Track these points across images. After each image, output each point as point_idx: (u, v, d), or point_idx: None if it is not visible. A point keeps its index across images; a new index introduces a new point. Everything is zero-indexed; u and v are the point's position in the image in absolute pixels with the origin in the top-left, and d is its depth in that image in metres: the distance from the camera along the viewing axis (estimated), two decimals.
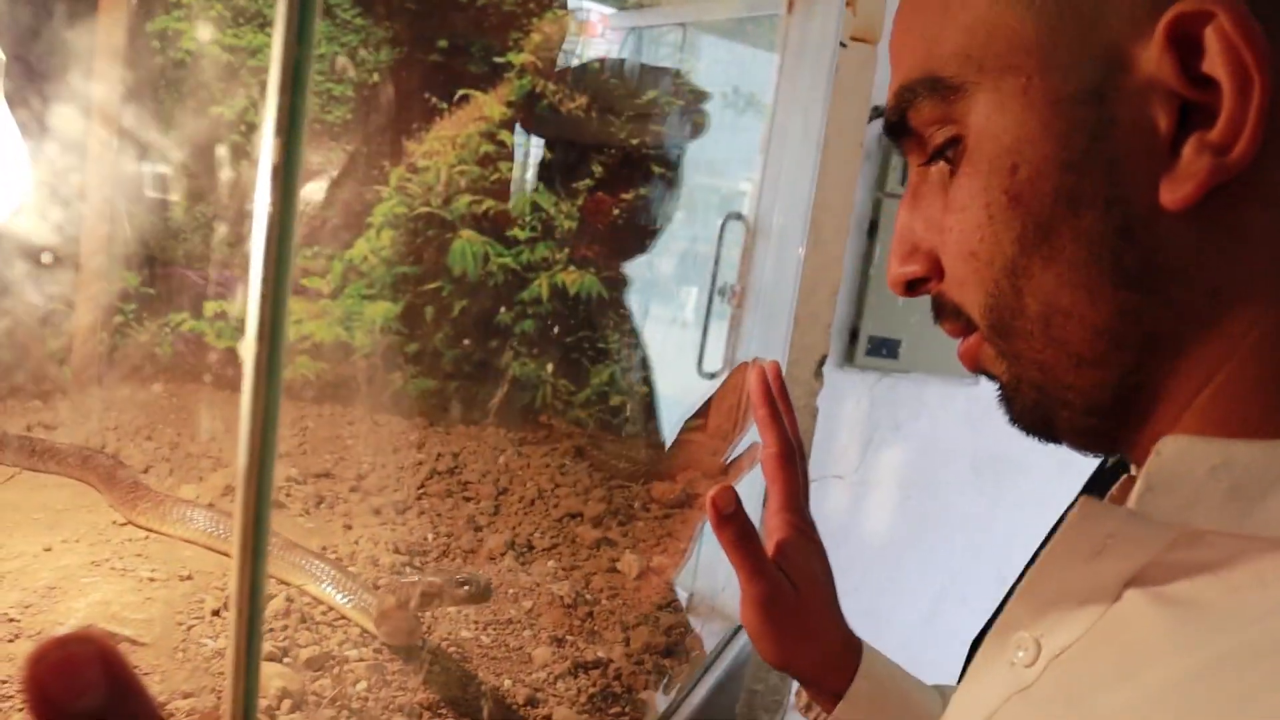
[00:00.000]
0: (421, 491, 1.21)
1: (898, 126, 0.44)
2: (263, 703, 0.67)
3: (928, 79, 0.43)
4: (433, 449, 1.34)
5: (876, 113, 2.75)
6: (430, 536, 1.06)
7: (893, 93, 0.44)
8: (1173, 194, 0.37)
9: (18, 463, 1.00)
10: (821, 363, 1.67)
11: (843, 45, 1.52)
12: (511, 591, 0.97)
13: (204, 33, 1.34)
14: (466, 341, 1.48)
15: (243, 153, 1.36)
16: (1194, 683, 0.36)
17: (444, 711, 0.74)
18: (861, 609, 1.11)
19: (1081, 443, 0.43)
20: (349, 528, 1.03)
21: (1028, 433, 0.45)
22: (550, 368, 1.52)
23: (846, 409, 3.12)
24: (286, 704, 0.67)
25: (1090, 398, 0.42)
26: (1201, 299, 0.39)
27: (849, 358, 3.08)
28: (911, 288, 0.47)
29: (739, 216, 1.79)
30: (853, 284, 2.96)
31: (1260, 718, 0.35)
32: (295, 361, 1.42)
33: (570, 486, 1.30)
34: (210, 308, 1.39)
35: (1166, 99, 0.37)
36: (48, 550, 0.81)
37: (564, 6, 1.45)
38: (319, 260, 1.42)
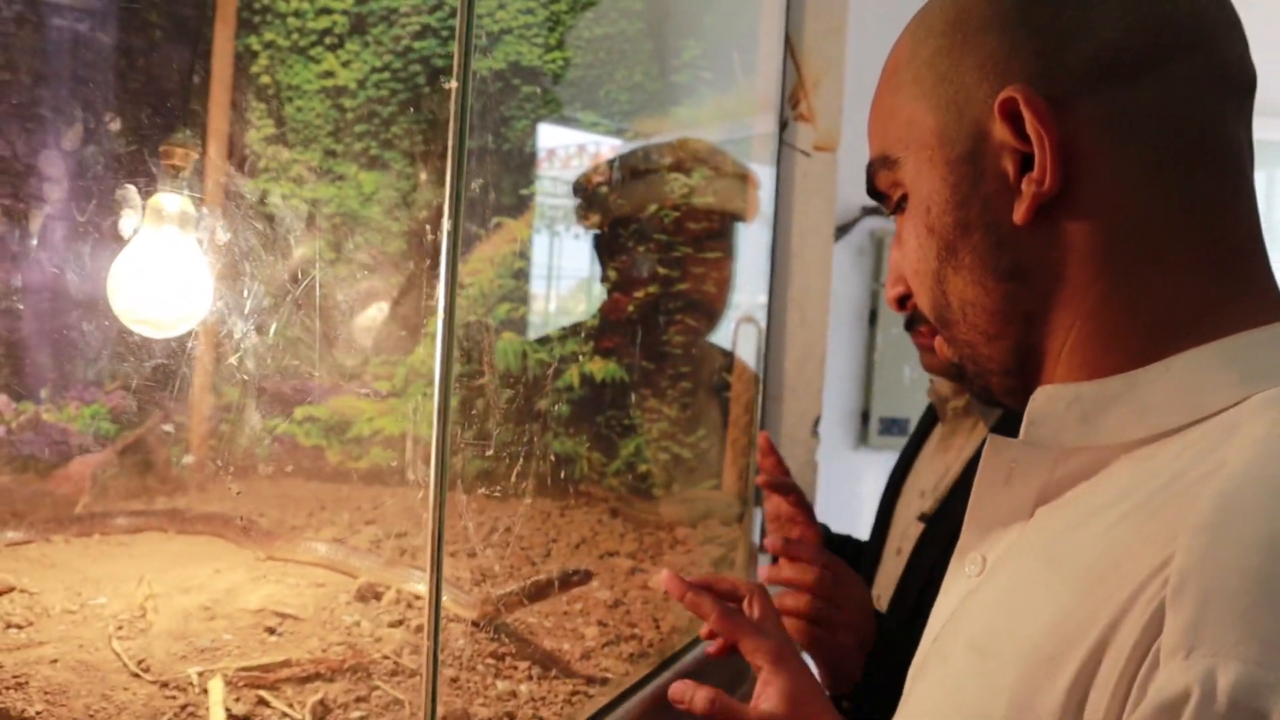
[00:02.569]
0: (485, 543, 1.47)
1: (871, 189, 0.63)
2: (389, 648, 0.92)
3: (881, 156, 0.61)
4: (490, 515, 1.60)
5: (864, 212, 3.07)
6: (498, 567, 1.31)
7: (866, 166, 0.63)
8: (1018, 215, 0.54)
9: (172, 527, 1.27)
10: (816, 423, 1.92)
11: (806, 154, 1.82)
12: (566, 598, 1.21)
13: (285, 188, 1.67)
14: (512, 426, 1.75)
15: (320, 284, 1.66)
16: (1079, 550, 0.50)
17: (518, 662, 0.98)
18: None
19: (1010, 400, 0.59)
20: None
21: (981, 400, 0.63)
22: (585, 444, 1.78)
23: (865, 487, 3.34)
24: (407, 650, 0.92)
25: (1002, 363, 0.58)
26: (1052, 283, 0.54)
27: (863, 439, 3.32)
28: (902, 304, 0.65)
29: (751, 320, 2.08)
30: (860, 370, 3.23)
31: (1125, 552, 0.47)
32: (370, 452, 1.70)
33: (608, 534, 1.55)
34: (300, 412, 1.67)
35: (1012, 154, 0.54)
36: (217, 572, 1.07)
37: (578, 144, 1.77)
38: (386, 366, 1.70)
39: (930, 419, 1.29)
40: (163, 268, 0.95)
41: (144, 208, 0.96)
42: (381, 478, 1.68)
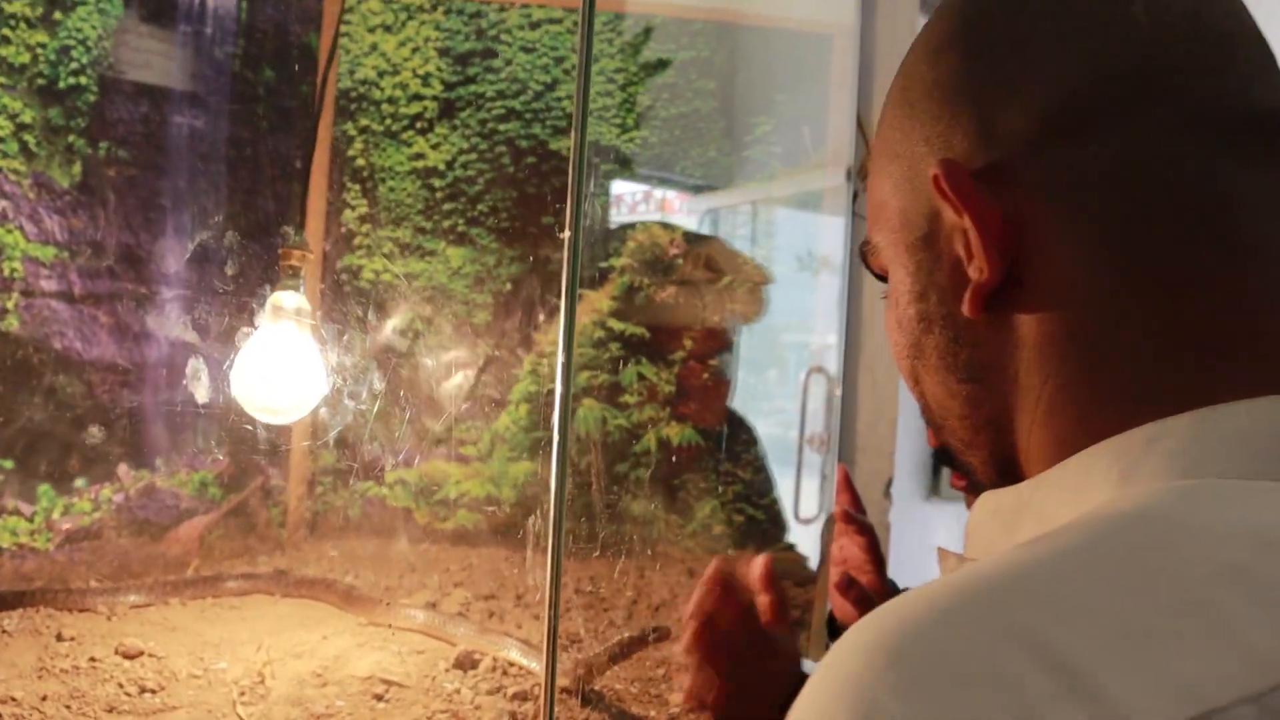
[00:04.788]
0: (568, 605, 1.52)
1: (872, 273, 0.55)
2: (488, 716, 0.98)
3: (866, 240, 0.54)
4: (574, 574, 1.66)
5: None
6: (583, 631, 1.37)
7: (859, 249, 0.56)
8: (965, 307, 0.46)
9: (277, 591, 1.35)
10: (889, 485, 1.95)
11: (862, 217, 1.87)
12: (649, 662, 1.26)
13: (379, 264, 1.76)
14: (593, 489, 1.81)
15: (408, 355, 1.75)
16: None
17: None
18: None
19: None
20: (520, 626, 1.34)
21: None
22: (662, 506, 1.83)
23: (938, 538, 3.33)
24: (505, 718, 0.98)
25: (985, 474, 0.50)
26: (1008, 384, 0.46)
27: (935, 490, 3.31)
28: None
29: (820, 370, 2.12)
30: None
31: None
32: (457, 515, 1.77)
33: (687, 595, 1.60)
34: (390, 476, 1.75)
35: (961, 236, 0.46)
36: (325, 638, 1.14)
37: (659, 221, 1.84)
38: (472, 431, 1.78)
39: None
40: (281, 359, 1.03)
41: (264, 302, 1.05)
42: (467, 539, 1.76)
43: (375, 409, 1.77)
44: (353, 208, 1.73)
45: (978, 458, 0.50)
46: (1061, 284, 0.44)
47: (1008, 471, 0.48)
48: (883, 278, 0.54)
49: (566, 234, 0.75)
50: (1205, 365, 0.42)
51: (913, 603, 0.35)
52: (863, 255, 0.55)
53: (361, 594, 1.28)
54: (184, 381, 1.47)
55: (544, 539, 1.74)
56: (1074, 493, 0.42)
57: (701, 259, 1.57)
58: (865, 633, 0.35)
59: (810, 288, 2.04)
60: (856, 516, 1.25)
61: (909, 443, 3.19)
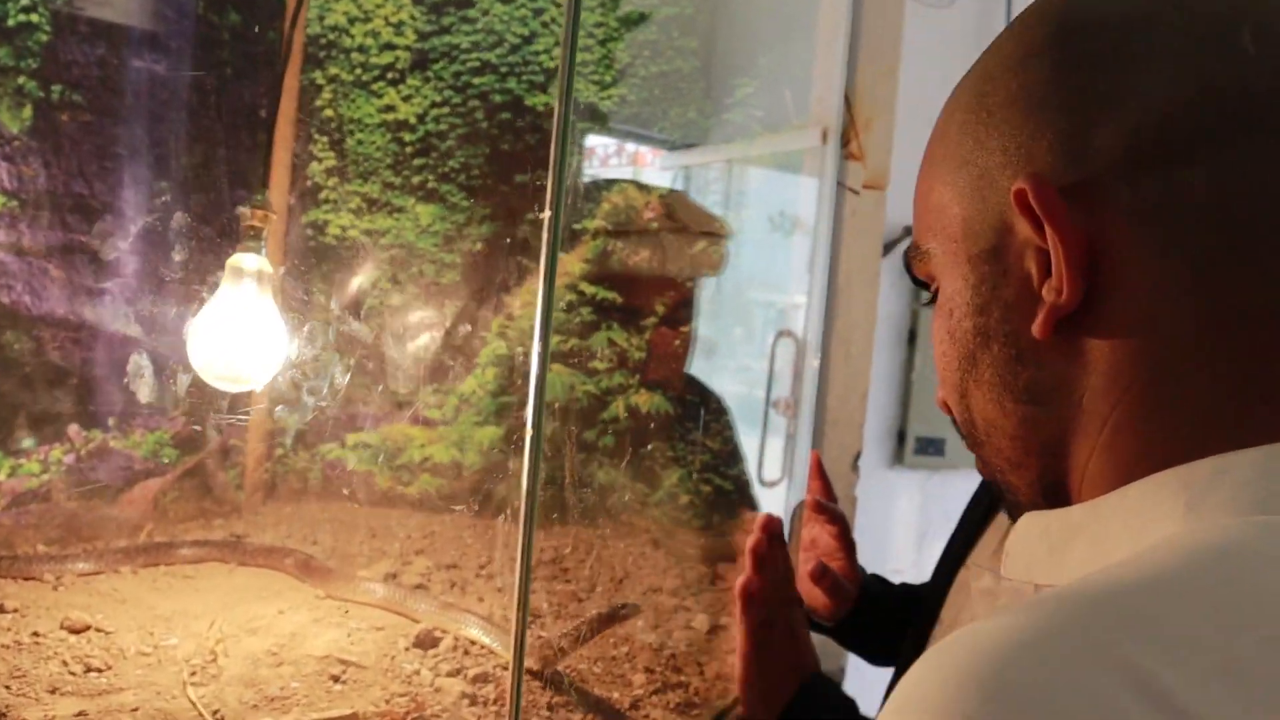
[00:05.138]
0: (532, 576, 1.50)
1: (911, 276, 0.56)
2: (449, 699, 0.96)
3: (914, 246, 0.54)
4: (536, 544, 1.63)
5: (907, 231, 3.08)
6: (546, 605, 1.35)
7: (904, 252, 0.56)
8: (1036, 328, 0.45)
9: (232, 559, 1.32)
10: (857, 458, 1.94)
11: (855, 192, 1.84)
12: (612, 640, 1.24)
13: (345, 219, 1.71)
14: (558, 457, 1.78)
15: (376, 312, 1.70)
16: None
17: (572, 714, 1.01)
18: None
19: None
20: (481, 600, 1.32)
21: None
22: (629, 475, 1.81)
23: (900, 507, 3.35)
24: (464, 703, 0.96)
25: (1029, 496, 0.50)
26: (1071, 408, 0.45)
27: (899, 458, 3.32)
28: (949, 408, 0.55)
29: (789, 333, 2.10)
30: (897, 389, 3.23)
31: None
32: (420, 479, 1.74)
33: (650, 568, 1.58)
34: (352, 438, 1.71)
35: (1035, 253, 0.45)
36: (281, 613, 1.11)
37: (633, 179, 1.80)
38: (437, 395, 1.74)
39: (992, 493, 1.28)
40: (241, 325, 0.98)
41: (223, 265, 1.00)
42: (429, 505, 1.72)
43: (337, 370, 1.72)
44: (319, 160, 1.66)
45: (1024, 479, 0.49)
46: (1141, 312, 0.43)
47: (1055, 494, 0.48)
48: (924, 284, 0.53)
49: (546, 214, 0.71)
50: (1277, 403, 0.41)
51: (1002, 631, 0.34)
52: (907, 260, 0.54)
53: (320, 565, 1.25)
54: (138, 340, 1.42)
55: (508, 510, 1.71)
56: (1135, 520, 0.42)
57: (662, 209, 1.53)
58: (953, 662, 0.34)
59: (781, 249, 2.01)
60: (828, 505, 1.25)
61: (876, 413, 3.19)
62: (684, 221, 1.59)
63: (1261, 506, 0.38)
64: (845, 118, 1.77)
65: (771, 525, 1.05)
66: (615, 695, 1.07)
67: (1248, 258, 0.42)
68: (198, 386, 1.55)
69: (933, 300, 0.53)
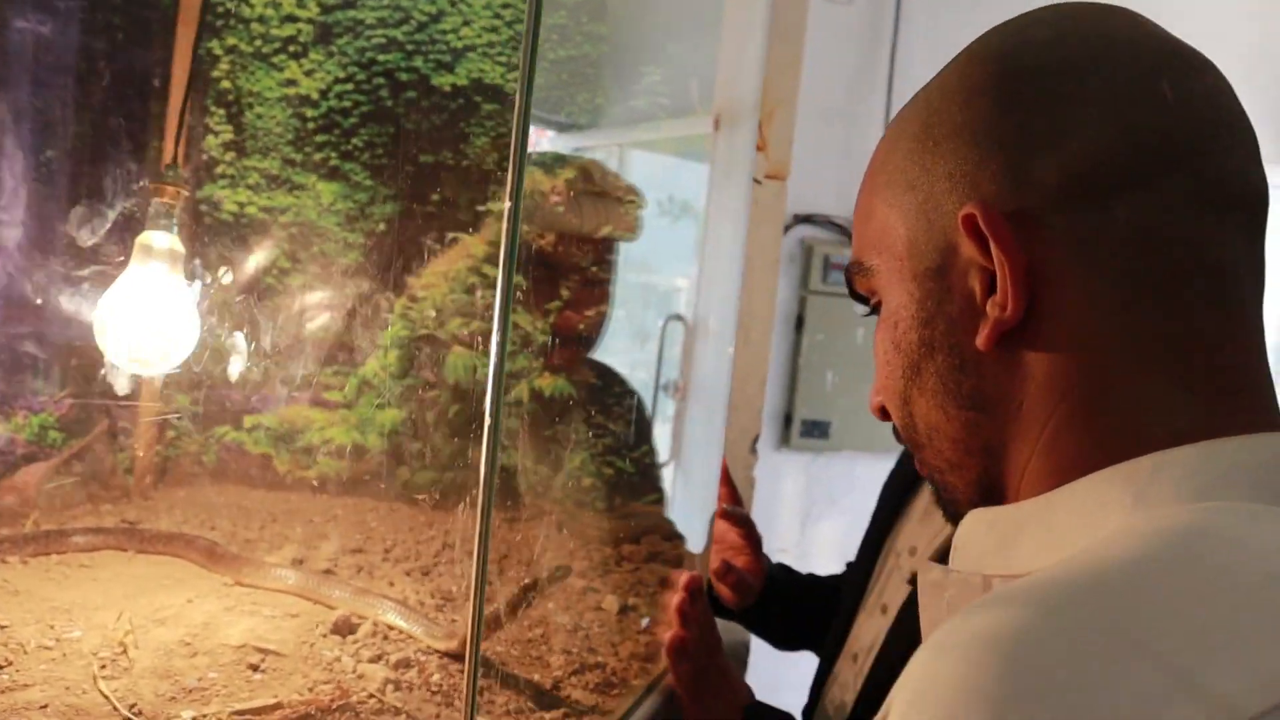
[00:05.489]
0: (437, 559, 1.50)
1: (851, 291, 0.60)
2: (373, 685, 0.95)
3: (856, 262, 0.58)
4: (441, 527, 1.62)
5: (796, 219, 3.16)
6: (455, 589, 1.35)
7: (845, 269, 0.60)
8: (980, 340, 0.49)
9: (130, 546, 1.27)
10: (755, 441, 1.99)
11: (757, 182, 1.88)
12: (526, 623, 1.25)
13: (243, 195, 1.65)
14: (461, 440, 1.77)
15: (275, 292, 1.66)
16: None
17: (495, 696, 1.02)
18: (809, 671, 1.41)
19: None
20: (392, 584, 1.31)
21: (953, 524, 0.57)
22: (531, 457, 1.81)
23: (786, 488, 3.44)
24: (390, 688, 0.95)
25: (966, 494, 0.55)
26: (1011, 414, 0.50)
27: (785, 440, 3.42)
28: (885, 413, 0.59)
29: (679, 317, 2.13)
30: (785, 373, 3.32)
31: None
32: (319, 462, 1.70)
33: (557, 550, 1.59)
34: (248, 420, 1.67)
35: (979, 272, 0.50)
36: (190, 602, 1.08)
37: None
38: (337, 377, 1.71)
39: (910, 476, 1.31)
40: (151, 305, 0.95)
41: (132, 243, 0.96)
42: (330, 488, 1.69)
43: (234, 350, 1.67)
44: (216, 134, 1.61)
45: (963, 479, 0.54)
46: (1075, 328, 0.48)
47: (990, 493, 0.53)
48: (862, 299, 0.57)
49: (506, 204, 0.71)
50: (1203, 406, 0.47)
51: (1015, 612, 0.38)
52: (848, 275, 0.57)
53: (226, 551, 1.22)
54: (21, 317, 1.35)
55: (410, 489, 1.70)
56: (1085, 512, 0.47)
57: (579, 171, 1.54)
58: (971, 640, 0.38)
59: (670, 233, 2.04)
60: (732, 511, 1.36)
61: (764, 396, 3.28)
62: (601, 186, 1.60)
63: (1201, 495, 0.43)
64: (742, 99, 1.80)
65: (693, 583, 1.20)
66: (536, 676, 1.08)
67: (1169, 284, 0.47)
68: (82, 367, 1.49)
69: (872, 312, 0.58)
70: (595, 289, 1.79)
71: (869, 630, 1.23)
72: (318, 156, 1.66)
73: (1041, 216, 0.48)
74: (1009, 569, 0.49)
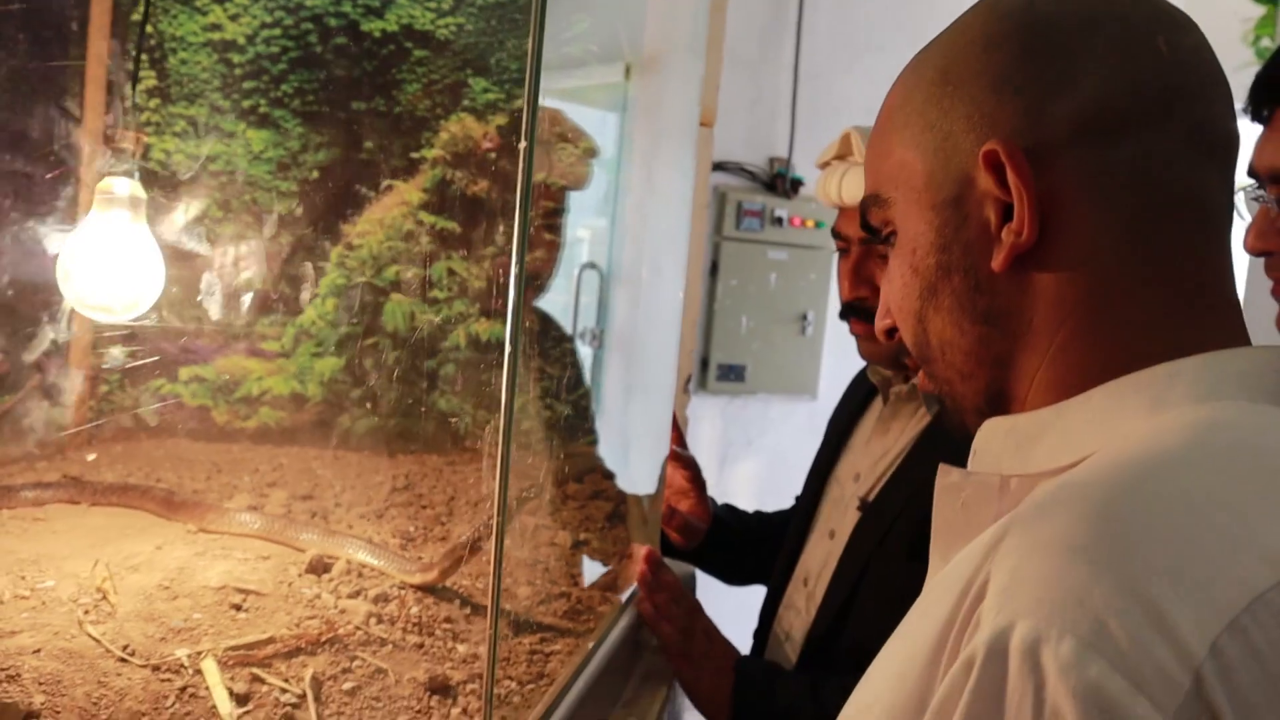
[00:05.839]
0: (388, 503, 1.52)
1: (864, 223, 0.65)
2: (356, 619, 0.98)
3: (874, 194, 0.63)
4: (387, 473, 1.64)
5: (716, 166, 3.20)
6: (412, 529, 1.38)
7: (860, 202, 0.65)
8: (996, 262, 0.55)
9: (83, 499, 1.26)
10: (688, 382, 2.05)
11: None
12: (486, 559, 1.29)
13: (170, 144, 1.62)
14: (401, 386, 1.79)
15: (208, 243, 1.64)
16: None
17: (469, 625, 1.06)
18: (734, 605, 1.48)
19: None
20: (351, 527, 1.33)
21: (957, 436, 0.63)
22: (470, 402, 1.84)
23: (704, 430, 3.53)
24: (373, 620, 0.99)
25: (974, 402, 0.60)
26: (1022, 328, 0.56)
27: (702, 383, 3.49)
28: (890, 335, 0.66)
29: (593, 265, 2.16)
30: (701, 318, 3.38)
31: (921, 622, 0.50)
32: (259, 412, 1.70)
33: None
34: (185, 372, 1.65)
35: (994, 203, 0.55)
36: (159, 549, 1.09)
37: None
38: (275, 326, 1.70)
39: (860, 396, 1.38)
40: (114, 252, 0.95)
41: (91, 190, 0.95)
42: (272, 438, 1.69)
43: (167, 301, 1.64)
44: (139, 79, 1.56)
45: (972, 388, 0.60)
46: (1083, 253, 0.54)
47: (997, 401, 0.59)
48: (873, 230, 0.63)
49: (522, 144, 0.74)
50: (1196, 321, 0.54)
51: (1093, 496, 0.46)
52: (864, 208, 0.63)
53: (185, 499, 1.23)
54: None
55: (354, 436, 1.71)
56: (1102, 416, 0.53)
57: (545, 119, 1.55)
58: (1068, 520, 0.45)
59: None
60: (680, 453, 1.42)
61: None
62: (565, 134, 1.62)
63: (1212, 397, 0.51)
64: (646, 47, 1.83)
65: (650, 557, 1.29)
66: (508, 606, 1.12)
67: (1165, 214, 0.54)
68: (9, 320, 1.45)
69: (885, 240, 0.63)
70: (547, 235, 1.80)
71: (818, 555, 1.29)
72: (246, 103, 1.63)
73: (1055, 153, 0.54)
74: (1025, 469, 0.55)
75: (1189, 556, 0.43)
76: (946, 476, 0.59)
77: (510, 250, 1.84)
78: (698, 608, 1.28)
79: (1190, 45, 0.55)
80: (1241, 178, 1.08)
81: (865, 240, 1.25)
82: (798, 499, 1.51)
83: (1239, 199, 1.06)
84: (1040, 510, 0.48)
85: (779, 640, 1.32)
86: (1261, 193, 1.02)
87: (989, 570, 0.46)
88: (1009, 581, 0.44)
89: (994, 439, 0.59)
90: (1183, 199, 0.54)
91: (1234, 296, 0.56)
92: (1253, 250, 1.02)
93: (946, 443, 1.07)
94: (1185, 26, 0.56)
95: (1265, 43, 2.75)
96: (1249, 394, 0.51)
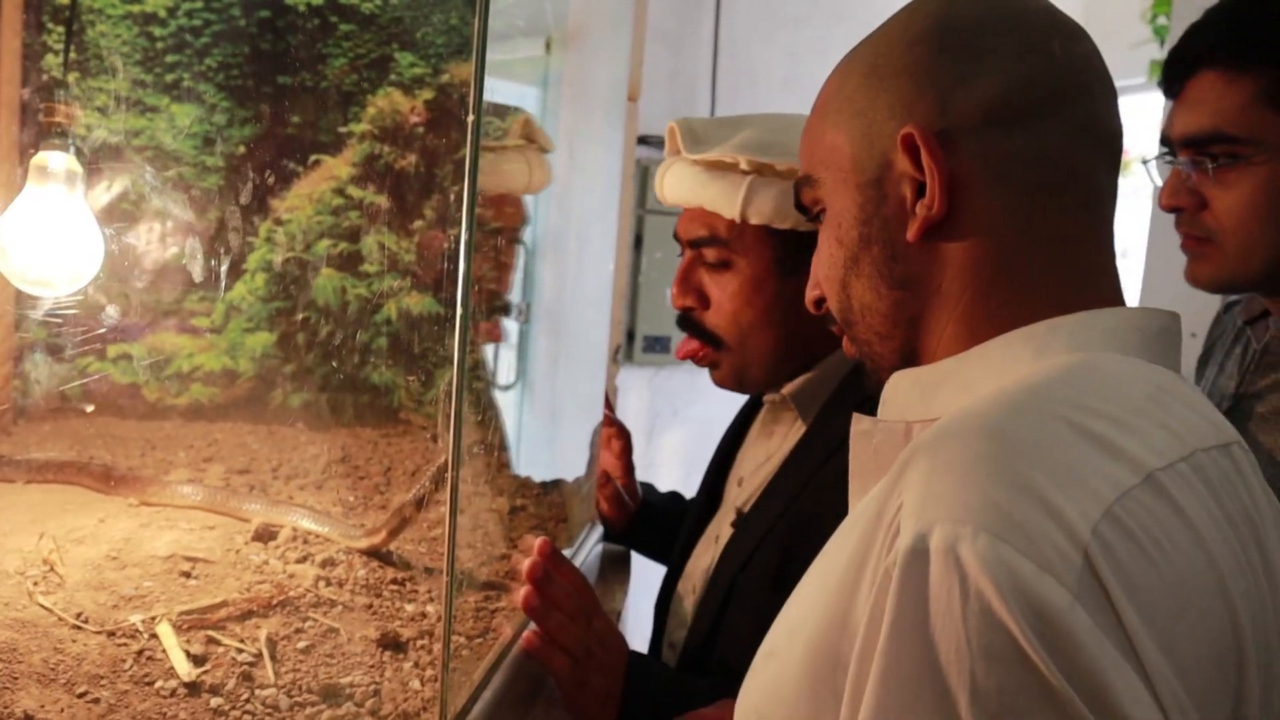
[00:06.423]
0: (326, 475, 1.54)
1: (797, 202, 0.72)
2: (306, 583, 1.01)
3: (806, 175, 0.70)
4: (322, 446, 1.66)
5: (638, 141, 3.24)
6: (352, 498, 1.40)
7: (794, 183, 0.73)
8: (910, 233, 0.63)
9: (18, 477, 1.26)
10: (616, 352, 2.09)
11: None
12: (425, 524, 1.32)
13: (91, 119, 1.60)
14: (333, 360, 1.80)
15: (131, 219, 1.62)
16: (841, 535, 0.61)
17: (416, 586, 1.10)
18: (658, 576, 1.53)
19: None
20: (291, 498, 1.35)
21: (876, 394, 0.70)
22: (403, 375, 1.86)
23: (630, 401, 3.58)
24: (322, 583, 1.02)
25: (891, 361, 0.68)
26: (932, 292, 0.64)
27: (629, 355, 3.54)
28: (819, 306, 0.73)
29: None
30: (626, 291, 3.43)
31: (830, 564, 0.57)
32: (190, 389, 1.70)
33: (432, 462, 1.66)
34: (113, 350, 1.64)
35: (910, 182, 0.63)
36: (101, 521, 1.10)
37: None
38: (204, 303, 1.70)
39: (755, 401, 1.35)
40: (50, 227, 0.95)
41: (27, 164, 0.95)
42: (204, 414, 1.69)
43: (92, 278, 1.63)
44: (55, 52, 1.54)
45: (889, 348, 0.68)
46: (985, 225, 0.63)
47: (911, 358, 0.67)
48: (804, 209, 0.71)
49: (470, 118, 0.77)
50: (1079, 286, 0.63)
51: (983, 416, 0.55)
52: (797, 188, 0.71)
53: (124, 473, 1.23)
54: None
55: (288, 411, 1.72)
56: (995, 365, 0.61)
57: (520, 127, 1.57)
58: (966, 440, 0.53)
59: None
60: (614, 418, 1.46)
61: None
62: (537, 138, 1.63)
63: (1087, 348, 0.60)
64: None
65: (545, 548, 1.07)
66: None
67: (1055, 196, 0.62)
68: None
69: (815, 219, 0.71)
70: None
71: (702, 561, 1.27)
72: (169, 78, 1.62)
73: (961, 138, 0.62)
74: (929, 415, 0.63)
75: (1070, 461, 0.51)
76: (859, 424, 0.67)
77: (441, 224, 1.86)
78: (595, 608, 1.08)
79: (1081, 52, 0.64)
80: (1152, 149, 1.20)
81: (694, 243, 1.19)
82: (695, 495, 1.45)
83: (1150, 166, 1.20)
84: (941, 434, 0.55)
85: (667, 647, 1.29)
86: (1171, 158, 1.12)
87: (901, 491, 0.53)
88: (921, 495, 0.51)
89: (900, 389, 0.67)
90: (1071, 181, 0.62)
91: (1112, 266, 0.65)
92: (1166, 207, 1.12)
93: (822, 449, 1.12)
94: (1078, 35, 0.65)
95: (1161, 20, 2.88)
96: (1117, 347, 0.60)
